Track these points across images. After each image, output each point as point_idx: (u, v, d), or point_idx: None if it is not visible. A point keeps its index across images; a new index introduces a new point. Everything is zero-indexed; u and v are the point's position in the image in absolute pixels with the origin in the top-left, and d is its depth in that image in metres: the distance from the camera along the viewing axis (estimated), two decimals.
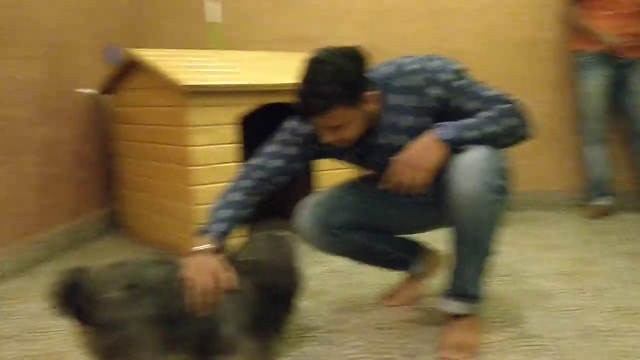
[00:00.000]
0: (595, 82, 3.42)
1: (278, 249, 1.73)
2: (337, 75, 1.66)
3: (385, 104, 1.80)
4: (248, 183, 1.86)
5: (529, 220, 3.46)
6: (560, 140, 3.75)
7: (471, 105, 1.73)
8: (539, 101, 3.73)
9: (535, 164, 3.77)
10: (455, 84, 1.74)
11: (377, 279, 2.47)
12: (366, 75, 1.73)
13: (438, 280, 2.28)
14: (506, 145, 1.74)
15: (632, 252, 2.76)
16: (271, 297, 1.66)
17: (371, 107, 1.75)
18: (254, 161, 1.90)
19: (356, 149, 1.89)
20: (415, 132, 1.78)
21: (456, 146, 1.69)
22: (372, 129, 1.82)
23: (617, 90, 3.46)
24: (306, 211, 1.96)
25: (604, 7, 3.33)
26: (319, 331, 1.97)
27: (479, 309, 1.86)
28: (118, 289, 1.52)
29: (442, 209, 1.76)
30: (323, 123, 1.71)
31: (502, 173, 1.71)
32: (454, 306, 1.82)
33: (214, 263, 1.68)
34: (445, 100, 1.75)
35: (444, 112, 1.76)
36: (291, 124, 1.92)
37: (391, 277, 2.47)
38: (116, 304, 1.50)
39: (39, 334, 2.05)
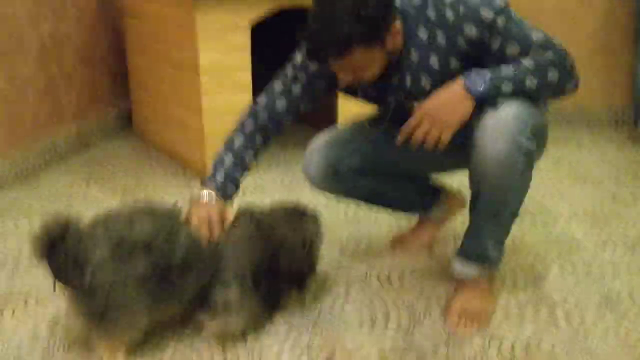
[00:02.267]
0: None
1: (300, 225, 1.59)
2: (357, 8, 1.41)
3: (413, 38, 1.56)
4: (251, 125, 1.69)
5: (566, 141, 3.21)
6: (611, 52, 3.41)
7: (511, 49, 1.49)
8: (592, 6, 3.35)
9: (583, 76, 3.45)
10: (497, 24, 1.48)
11: (390, 218, 2.30)
12: (391, 3, 1.48)
13: (459, 223, 2.11)
14: (545, 99, 1.52)
15: None
16: (277, 268, 1.53)
17: (396, 42, 1.52)
18: (259, 99, 1.72)
19: (373, 87, 1.66)
20: (440, 76, 1.55)
21: (488, 100, 1.46)
22: (394, 64, 1.59)
23: None
24: (315, 155, 1.78)
25: None
26: (315, 281, 1.84)
27: (495, 272, 1.71)
28: (104, 247, 1.38)
29: (464, 156, 1.56)
30: (339, 67, 1.50)
31: (535, 133, 1.51)
32: (467, 268, 1.66)
33: (215, 205, 1.56)
34: (480, 42, 1.50)
35: (478, 55, 1.52)
36: (296, 57, 1.70)
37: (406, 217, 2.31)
38: (102, 265, 1.37)
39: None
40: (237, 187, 1.65)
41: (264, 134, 1.69)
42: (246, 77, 2.63)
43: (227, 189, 1.62)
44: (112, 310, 1.38)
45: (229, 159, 1.64)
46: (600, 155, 3.01)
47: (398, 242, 2.05)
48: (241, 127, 1.69)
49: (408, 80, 1.60)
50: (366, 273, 1.88)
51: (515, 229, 2.14)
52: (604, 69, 3.44)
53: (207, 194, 1.58)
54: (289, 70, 1.70)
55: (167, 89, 2.86)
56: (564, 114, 3.47)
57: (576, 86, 1.52)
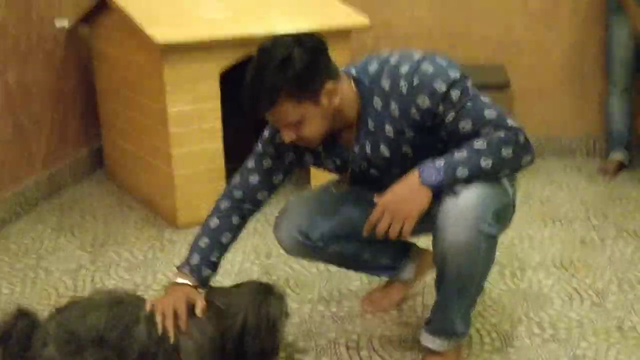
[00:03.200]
0: (628, 27, 3.06)
1: (263, 306, 1.56)
2: (284, 62, 1.45)
3: (368, 107, 1.58)
4: (227, 204, 1.71)
5: (537, 173, 3.24)
6: (582, 82, 3.44)
7: (464, 124, 1.50)
8: (561, 37, 3.38)
9: (552, 106, 3.49)
10: (450, 96, 1.49)
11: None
12: (324, 65, 1.51)
13: (430, 279, 2.12)
14: (503, 176, 1.54)
15: None
16: (242, 352, 1.52)
17: (333, 102, 1.53)
18: (233, 179, 1.75)
19: (335, 157, 1.68)
20: (396, 144, 1.58)
21: (445, 188, 1.47)
22: (352, 132, 1.62)
23: None
24: (286, 223, 1.79)
25: None
26: (282, 349, 1.85)
27: (461, 343, 1.72)
28: (53, 343, 1.39)
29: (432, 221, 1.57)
30: (274, 120, 1.53)
31: (499, 215, 1.53)
32: (434, 343, 1.68)
33: (183, 292, 1.55)
34: (433, 113, 1.51)
35: (432, 125, 1.53)
36: (264, 133, 1.73)
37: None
38: None
39: None
40: (213, 269, 1.66)
41: (240, 213, 1.70)
42: (216, 124, 2.63)
43: (201, 272, 1.62)
44: None
45: (204, 242, 1.65)
46: (570, 191, 3.04)
47: (368, 300, 2.06)
48: (216, 208, 1.70)
49: (368, 148, 1.61)
50: (335, 340, 1.89)
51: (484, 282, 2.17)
52: (574, 99, 3.47)
53: (179, 280, 1.59)
54: (258, 146, 1.73)
55: (137, 134, 2.84)
56: (535, 144, 3.49)
57: (533, 158, 1.54)
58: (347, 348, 1.85)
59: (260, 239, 2.52)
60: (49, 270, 2.33)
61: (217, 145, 2.65)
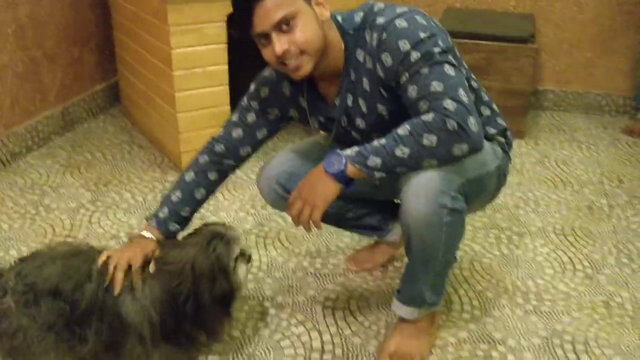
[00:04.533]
0: None
1: (208, 251, 1.50)
2: None
3: (351, 59, 1.52)
4: (206, 158, 1.68)
5: (559, 132, 3.11)
6: (614, 39, 3.24)
7: (411, 92, 1.42)
8: None
9: (582, 60, 3.31)
10: (409, 57, 1.41)
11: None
12: None
13: None
14: (428, 166, 1.41)
15: None
16: (187, 302, 1.49)
17: (323, 14, 1.47)
18: (217, 133, 1.71)
19: (318, 114, 1.63)
20: (371, 103, 1.53)
21: (354, 177, 1.42)
22: (335, 84, 1.57)
23: None
24: (266, 174, 1.76)
25: None
26: (256, 303, 1.86)
27: (436, 310, 1.70)
28: (13, 292, 1.43)
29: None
30: (265, 16, 1.40)
31: (467, 187, 1.47)
32: (404, 310, 1.65)
33: (142, 246, 1.54)
34: (394, 75, 1.44)
35: (395, 89, 1.47)
36: (250, 87, 1.68)
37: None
38: (9, 311, 1.42)
39: None
40: (182, 224, 1.64)
41: (220, 168, 1.68)
42: (222, 70, 2.58)
43: (168, 226, 1.61)
44: (19, 353, 1.44)
45: (176, 195, 1.64)
46: (589, 152, 2.91)
47: (352, 260, 2.05)
48: (195, 162, 1.68)
49: (349, 100, 1.56)
50: (313, 298, 1.89)
51: (479, 245, 2.14)
52: (606, 54, 3.28)
53: (144, 232, 1.59)
54: (243, 100, 1.69)
55: (146, 73, 2.83)
56: (563, 98, 3.35)
57: (473, 147, 1.38)
58: (323, 307, 1.85)
59: None
60: (50, 207, 2.39)
61: (222, 88, 2.61)
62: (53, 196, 2.47)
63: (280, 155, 1.77)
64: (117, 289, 1.45)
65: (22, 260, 1.51)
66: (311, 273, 2.01)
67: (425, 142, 1.35)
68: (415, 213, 1.43)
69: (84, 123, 3.15)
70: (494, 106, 1.68)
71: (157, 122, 2.84)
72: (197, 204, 1.67)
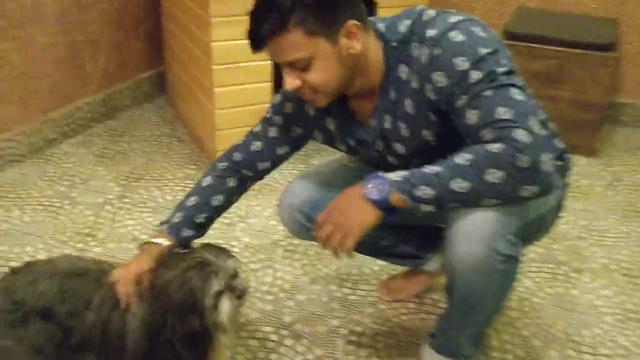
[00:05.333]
0: None
1: (182, 280, 1.28)
2: None
3: (392, 75, 1.31)
4: (225, 165, 1.51)
5: (632, 149, 2.79)
6: None
7: (470, 116, 1.19)
8: None
9: None
10: (468, 78, 1.19)
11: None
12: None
13: None
14: (487, 205, 1.20)
15: None
16: (159, 334, 1.31)
17: (354, 47, 1.25)
18: (239, 141, 1.54)
19: (348, 136, 1.44)
20: (414, 127, 1.31)
21: (398, 207, 1.21)
22: (371, 102, 1.36)
23: None
24: (287, 201, 1.57)
25: None
26: (272, 330, 1.68)
27: None
28: (2, 312, 1.29)
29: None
30: (277, 54, 1.25)
31: (525, 229, 1.27)
32: (433, 358, 1.45)
33: (149, 257, 1.38)
34: (448, 96, 1.22)
35: (447, 112, 1.25)
36: (275, 99, 1.51)
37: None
38: None
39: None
40: (196, 230, 1.47)
41: (239, 177, 1.51)
42: (266, 66, 2.41)
43: (181, 233, 1.45)
44: None
45: (191, 201, 1.47)
46: None
47: (385, 288, 1.84)
48: (213, 167, 1.52)
49: (386, 122, 1.35)
50: (335, 330, 1.70)
51: (531, 280, 1.90)
52: None
53: (155, 239, 1.42)
54: (268, 112, 1.52)
55: (189, 64, 2.69)
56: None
57: (545, 189, 1.16)
58: (346, 341, 1.66)
59: None
60: (76, 201, 2.28)
61: (265, 85, 2.44)
62: (81, 189, 2.36)
63: (303, 180, 1.59)
64: (122, 304, 1.30)
65: (15, 272, 1.38)
66: (337, 299, 1.82)
67: (489, 178, 1.14)
68: (465, 256, 1.22)
69: (127, 111, 3.05)
70: (552, 125, 1.43)
71: (196, 117, 2.70)
72: (214, 212, 1.49)
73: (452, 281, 1.30)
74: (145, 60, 3.15)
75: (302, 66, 1.24)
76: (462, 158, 1.16)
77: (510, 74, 1.20)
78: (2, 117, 2.45)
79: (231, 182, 1.50)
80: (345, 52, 1.24)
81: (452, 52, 1.20)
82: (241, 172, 1.51)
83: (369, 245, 1.66)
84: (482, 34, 1.22)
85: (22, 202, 2.26)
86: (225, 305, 1.29)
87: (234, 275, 1.32)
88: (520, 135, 1.13)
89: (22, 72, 2.48)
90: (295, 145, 1.52)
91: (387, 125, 1.35)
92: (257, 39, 1.23)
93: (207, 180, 1.50)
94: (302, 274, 1.91)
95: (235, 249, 2.01)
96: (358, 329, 1.70)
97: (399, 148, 1.38)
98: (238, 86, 2.40)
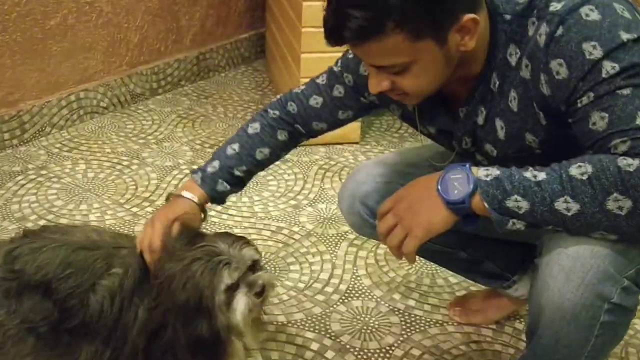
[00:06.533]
0: None
1: (187, 275, 1.06)
2: None
3: (497, 57, 1.00)
4: (276, 114, 1.28)
5: None
6: None
7: (596, 119, 0.88)
8: None
9: None
10: (600, 69, 0.87)
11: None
12: None
13: None
14: (599, 237, 0.90)
15: None
16: (159, 332, 1.10)
17: (466, 45, 0.97)
18: (296, 88, 1.30)
19: (429, 123, 1.16)
20: (516, 125, 1.02)
21: (480, 214, 0.92)
22: (464, 87, 1.07)
23: None
24: (351, 197, 1.32)
25: None
26: (314, 337, 1.44)
27: None
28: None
29: None
30: (366, 55, 0.99)
31: (632, 279, 0.94)
32: None
33: (170, 215, 1.15)
34: (569, 92, 0.90)
35: (565, 114, 0.93)
36: (348, 52, 1.23)
37: None
38: None
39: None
40: (234, 185, 1.24)
41: (290, 130, 1.28)
42: None
43: (215, 185, 1.22)
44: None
45: (233, 149, 1.25)
46: None
47: (459, 307, 1.54)
48: (262, 114, 1.30)
49: (480, 115, 1.06)
50: (387, 349, 1.43)
51: None
52: None
53: (184, 192, 1.21)
54: (337, 64, 1.27)
55: (285, 27, 2.47)
56: None
57: None
58: None
59: None
60: (145, 162, 2.15)
61: None
62: (154, 149, 2.23)
63: (371, 166, 1.32)
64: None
65: (26, 235, 1.22)
66: (399, 311, 1.55)
67: (611, 205, 0.85)
68: (558, 298, 0.93)
69: (221, 72, 2.89)
70: None
71: (286, 84, 2.48)
72: (255, 166, 1.26)
73: (536, 323, 1.00)
74: (246, 20, 2.97)
75: (397, 70, 0.98)
76: (579, 169, 0.86)
77: None
78: (87, 67, 2.35)
79: (281, 135, 1.27)
80: (454, 50, 0.97)
81: (580, 35, 0.88)
82: (294, 127, 1.27)
83: (444, 255, 1.39)
84: (626, 14, 0.89)
85: (91, 156, 2.16)
86: (241, 303, 1.07)
87: (253, 268, 1.09)
88: None
89: (111, 22, 2.38)
90: (362, 112, 1.28)
91: (480, 120, 1.06)
92: (338, 37, 0.95)
93: (254, 128, 1.27)
94: (364, 275, 1.66)
95: (296, 236, 1.79)
96: (415, 352, 1.43)
97: (491, 150, 1.09)
98: (326, 54, 2.15)
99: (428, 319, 1.53)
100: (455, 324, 1.52)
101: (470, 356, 1.43)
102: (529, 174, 0.89)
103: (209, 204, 1.24)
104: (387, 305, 1.56)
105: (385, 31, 0.91)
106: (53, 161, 2.11)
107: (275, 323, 1.49)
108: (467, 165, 0.93)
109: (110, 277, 1.15)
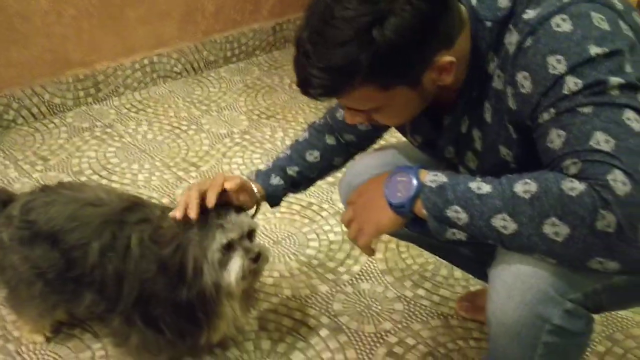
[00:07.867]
0: None
1: (179, 239, 1.13)
2: (372, 26, 0.86)
3: (480, 66, 0.97)
4: (322, 121, 1.32)
5: None
6: None
7: (553, 137, 0.84)
8: None
9: None
10: (563, 85, 0.83)
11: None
12: (445, 23, 0.90)
13: None
14: (539, 259, 0.87)
15: None
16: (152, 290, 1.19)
17: (443, 80, 0.95)
18: None
19: (415, 132, 1.17)
20: (490, 136, 0.99)
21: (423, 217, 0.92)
22: (449, 96, 1.04)
23: None
24: (347, 185, 1.31)
25: None
26: (316, 316, 1.47)
27: None
28: (9, 226, 1.28)
29: None
30: (340, 100, 1.00)
31: (593, 300, 0.93)
32: None
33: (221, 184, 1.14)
34: (534, 106, 0.87)
35: (529, 129, 0.90)
36: None
37: None
38: (2, 243, 1.28)
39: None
40: (287, 182, 1.28)
41: (336, 136, 1.30)
42: None
43: (269, 179, 1.26)
44: (9, 288, 1.33)
45: (284, 153, 1.31)
46: None
47: (465, 302, 1.52)
48: (312, 124, 1.34)
49: (463, 125, 1.04)
50: (383, 336, 1.44)
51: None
52: None
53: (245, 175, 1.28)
54: None
55: None
56: None
57: (628, 268, 0.80)
58: (388, 352, 1.40)
59: None
60: (202, 128, 2.24)
61: None
62: (213, 116, 2.32)
63: (367, 157, 1.32)
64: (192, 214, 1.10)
65: (43, 190, 1.35)
66: (406, 299, 1.55)
67: (547, 229, 0.81)
68: (500, 314, 0.93)
69: (266, 52, 2.89)
70: None
71: None
72: (308, 168, 1.29)
73: (489, 336, 1.00)
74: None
75: (371, 110, 0.99)
76: (524, 186, 0.83)
77: (633, 89, 0.81)
78: (163, 32, 2.47)
79: (330, 139, 1.30)
80: (430, 86, 0.95)
81: (547, 47, 0.84)
82: (341, 134, 1.29)
83: (444, 250, 1.38)
84: (604, 25, 0.84)
85: (154, 118, 2.29)
86: (236, 264, 1.13)
87: (249, 235, 1.16)
88: (619, 180, 0.77)
89: None
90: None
91: (463, 129, 1.04)
92: (305, 93, 0.95)
93: (304, 135, 1.32)
94: (380, 259, 1.67)
95: (324, 213, 1.82)
96: (410, 341, 1.43)
97: (471, 161, 1.07)
98: None
99: (433, 310, 1.52)
100: (460, 318, 1.50)
101: (464, 352, 1.41)
102: (474, 184, 0.87)
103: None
104: (395, 291, 1.57)
105: (353, 86, 0.91)
106: (120, 121, 2.26)
107: (279, 295, 1.54)
108: (415, 168, 0.93)
109: (107, 234, 1.25)
